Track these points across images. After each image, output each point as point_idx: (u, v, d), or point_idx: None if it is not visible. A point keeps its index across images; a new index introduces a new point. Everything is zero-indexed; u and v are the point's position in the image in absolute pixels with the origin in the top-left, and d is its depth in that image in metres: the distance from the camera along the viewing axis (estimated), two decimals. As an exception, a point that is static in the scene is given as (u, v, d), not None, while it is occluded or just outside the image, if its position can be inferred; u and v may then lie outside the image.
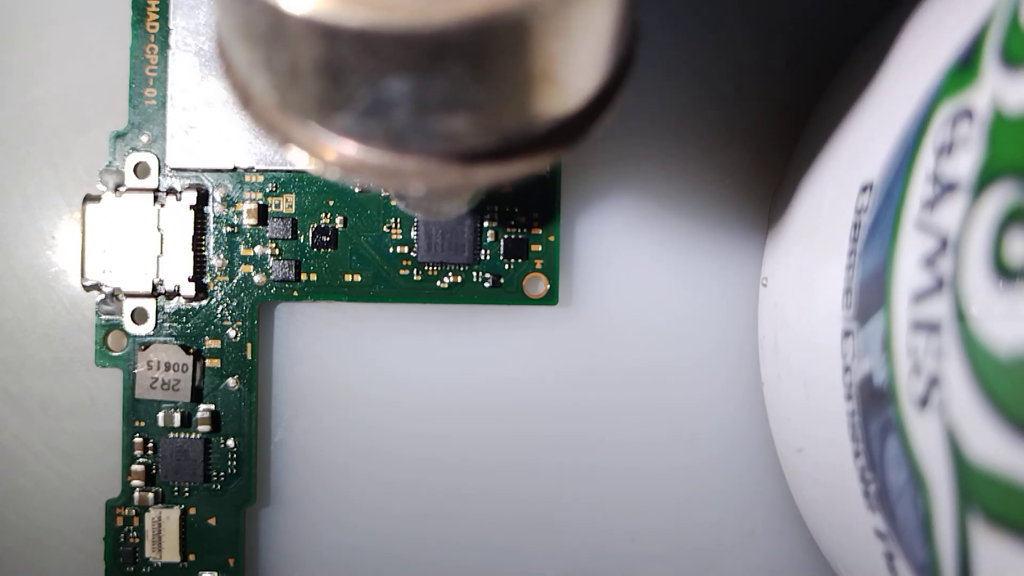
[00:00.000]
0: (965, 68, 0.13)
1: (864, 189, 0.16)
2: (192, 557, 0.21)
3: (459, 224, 0.20)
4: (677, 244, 0.21)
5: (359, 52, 0.09)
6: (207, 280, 0.21)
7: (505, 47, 0.09)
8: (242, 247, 0.21)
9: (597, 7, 0.10)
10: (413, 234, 0.21)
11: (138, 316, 0.21)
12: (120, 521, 0.21)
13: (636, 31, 0.12)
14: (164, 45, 0.20)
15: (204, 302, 0.21)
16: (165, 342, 0.21)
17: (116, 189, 0.20)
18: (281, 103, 0.11)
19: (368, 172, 0.11)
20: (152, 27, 0.21)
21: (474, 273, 0.21)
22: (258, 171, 0.21)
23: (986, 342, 0.11)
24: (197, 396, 0.21)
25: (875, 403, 0.14)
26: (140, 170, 0.21)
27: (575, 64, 0.10)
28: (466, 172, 0.11)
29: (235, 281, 0.21)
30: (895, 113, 0.15)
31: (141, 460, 0.21)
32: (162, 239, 0.20)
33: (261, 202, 0.21)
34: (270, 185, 0.21)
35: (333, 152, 0.11)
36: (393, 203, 0.21)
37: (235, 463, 0.21)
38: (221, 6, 0.10)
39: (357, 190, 0.21)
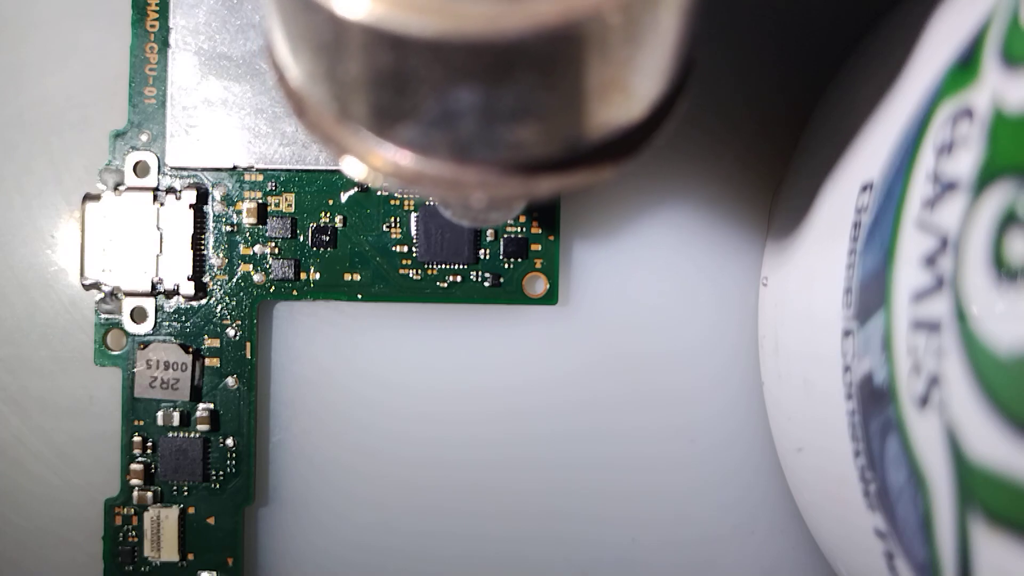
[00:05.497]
0: (965, 67, 0.13)
1: (864, 188, 0.16)
2: (191, 556, 0.21)
3: (459, 223, 0.20)
4: (677, 244, 0.21)
5: (430, 62, 0.09)
6: (206, 279, 0.21)
7: (578, 54, 0.09)
8: (241, 246, 0.21)
9: (667, 11, 0.10)
10: (413, 234, 0.21)
11: (137, 315, 0.21)
12: (119, 520, 0.21)
13: (695, 35, 0.11)
14: (164, 44, 0.20)
15: (203, 301, 0.21)
16: (164, 341, 0.21)
17: (116, 188, 0.20)
18: (340, 113, 0.10)
19: (428, 183, 0.10)
20: (152, 26, 0.21)
21: (474, 273, 0.21)
22: (258, 170, 0.21)
23: (986, 341, 0.11)
24: (196, 395, 0.21)
25: (875, 402, 0.14)
26: (140, 169, 0.21)
27: (644, 70, 0.10)
28: (528, 183, 0.11)
29: (234, 280, 0.21)
30: (895, 112, 0.15)
31: (140, 459, 0.21)
32: (161, 238, 0.20)
33: (260, 201, 0.21)
34: (270, 184, 0.21)
35: (392, 163, 0.10)
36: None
37: (234, 462, 0.21)
38: (280, 14, 0.10)
39: (357, 189, 0.21)
